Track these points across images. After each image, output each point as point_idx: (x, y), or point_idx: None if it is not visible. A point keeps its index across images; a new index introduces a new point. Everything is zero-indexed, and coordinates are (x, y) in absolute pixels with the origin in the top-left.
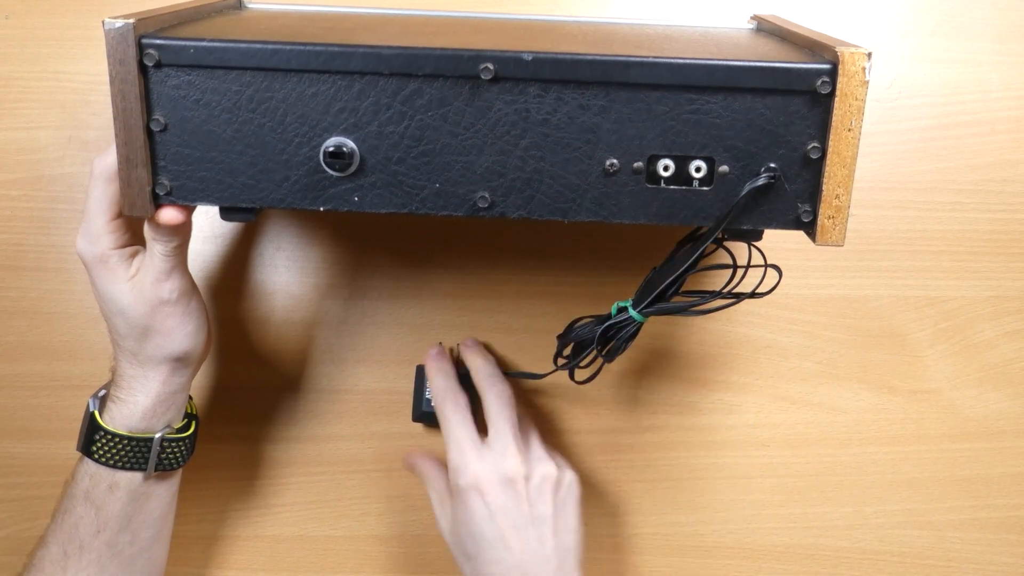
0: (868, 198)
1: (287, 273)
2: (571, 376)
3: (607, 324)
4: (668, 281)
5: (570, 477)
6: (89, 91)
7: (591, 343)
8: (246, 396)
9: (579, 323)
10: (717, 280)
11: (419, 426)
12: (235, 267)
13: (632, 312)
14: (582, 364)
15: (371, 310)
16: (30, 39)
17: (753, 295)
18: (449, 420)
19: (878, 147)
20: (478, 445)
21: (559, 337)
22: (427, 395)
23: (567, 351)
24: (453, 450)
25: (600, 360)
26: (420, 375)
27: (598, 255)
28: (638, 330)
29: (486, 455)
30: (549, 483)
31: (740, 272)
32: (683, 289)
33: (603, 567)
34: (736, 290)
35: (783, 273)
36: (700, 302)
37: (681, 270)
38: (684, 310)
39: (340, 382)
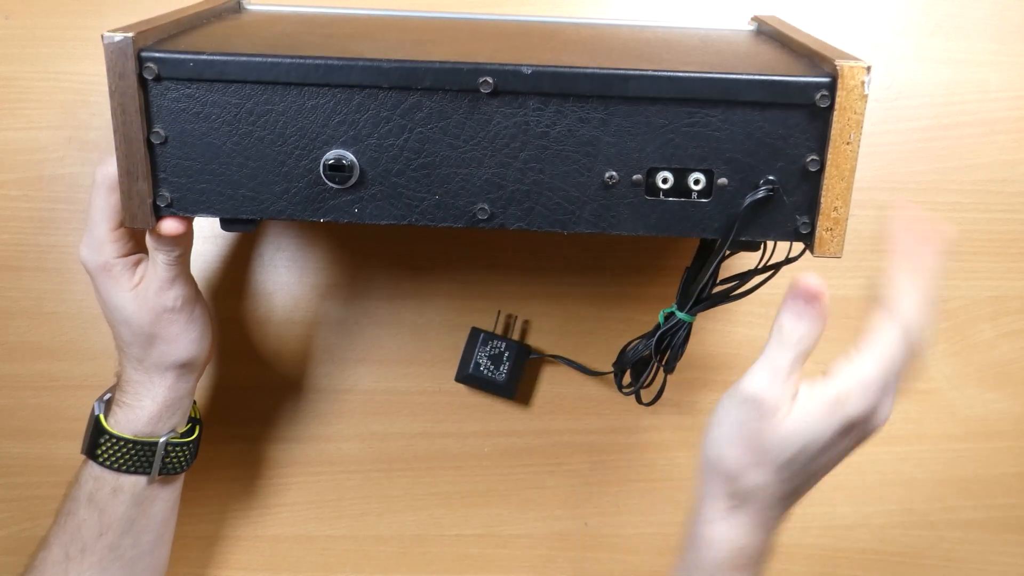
0: (868, 198)
1: (287, 273)
2: (638, 399)
3: (660, 332)
4: (705, 279)
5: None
6: (89, 91)
7: (649, 359)
8: (246, 396)
9: (628, 346)
10: (742, 261)
11: (417, 425)
12: (236, 267)
13: (680, 314)
14: (646, 383)
15: (371, 310)
16: (30, 39)
17: (788, 261)
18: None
19: (878, 147)
20: None
21: (615, 365)
22: (476, 358)
23: (626, 378)
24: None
25: (662, 375)
26: (474, 337)
27: (597, 254)
28: (689, 331)
29: None
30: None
31: (771, 245)
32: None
33: (603, 567)
34: (770, 262)
35: (783, 271)
36: (739, 284)
37: (710, 272)
38: (728, 296)
39: (340, 382)
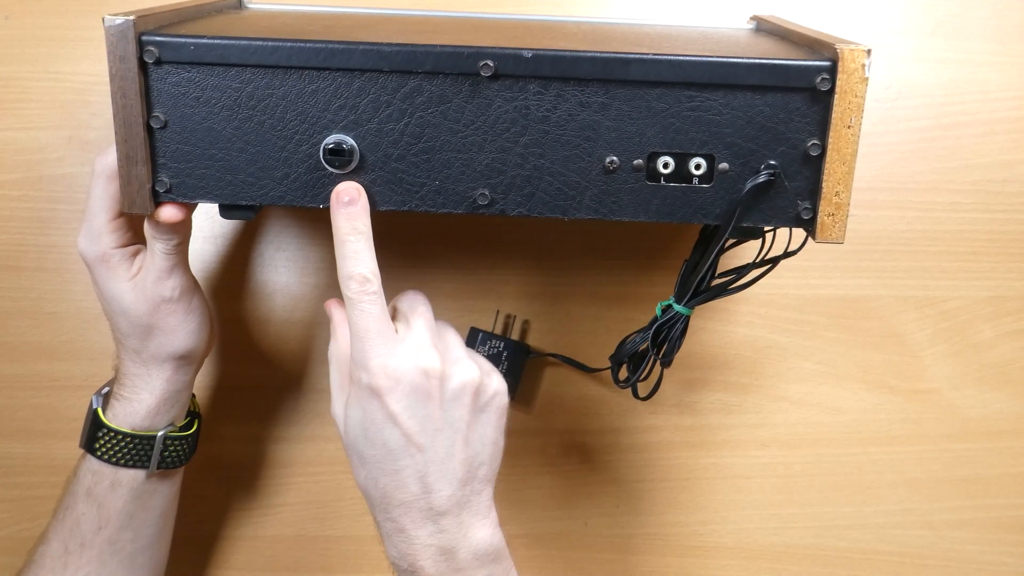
0: (868, 198)
1: (287, 273)
2: (635, 393)
3: (657, 325)
4: (704, 270)
5: (496, 384)
6: (89, 91)
7: (646, 353)
8: (246, 396)
9: (627, 340)
10: (743, 254)
11: None
12: (235, 267)
13: (678, 307)
14: (642, 377)
15: None
16: (30, 39)
17: (787, 255)
18: (357, 305)
19: (878, 147)
20: (388, 337)
21: (611, 358)
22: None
23: (623, 372)
24: (357, 341)
25: (659, 368)
26: (473, 337)
27: (596, 254)
28: (687, 325)
29: (395, 348)
30: (469, 387)
31: (770, 236)
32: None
33: (603, 567)
34: (768, 256)
35: (782, 270)
36: (738, 277)
37: (710, 261)
38: (726, 289)
39: None
